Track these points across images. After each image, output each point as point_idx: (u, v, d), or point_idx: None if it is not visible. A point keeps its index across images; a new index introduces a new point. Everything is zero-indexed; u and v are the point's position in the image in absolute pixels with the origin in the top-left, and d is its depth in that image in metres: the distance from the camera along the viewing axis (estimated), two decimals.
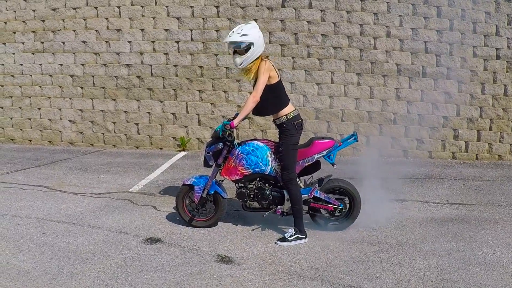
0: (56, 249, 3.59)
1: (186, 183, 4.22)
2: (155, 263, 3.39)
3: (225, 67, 7.80)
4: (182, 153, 7.57)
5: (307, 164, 4.15)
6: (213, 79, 7.77)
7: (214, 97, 7.81)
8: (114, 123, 8.06)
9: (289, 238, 3.86)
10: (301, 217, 3.97)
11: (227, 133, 3.86)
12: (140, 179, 5.71)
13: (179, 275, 3.19)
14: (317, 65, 7.62)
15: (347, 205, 4.17)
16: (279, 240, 3.92)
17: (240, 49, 3.80)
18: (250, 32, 3.82)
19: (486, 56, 7.80)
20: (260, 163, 4.04)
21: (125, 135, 8.05)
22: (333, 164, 4.19)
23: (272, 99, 3.92)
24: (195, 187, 4.16)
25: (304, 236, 3.92)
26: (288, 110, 3.95)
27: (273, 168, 4.09)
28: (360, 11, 7.68)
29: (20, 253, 3.49)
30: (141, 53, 7.94)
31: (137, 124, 8.03)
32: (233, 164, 4.08)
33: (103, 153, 7.55)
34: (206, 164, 4.15)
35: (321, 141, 4.18)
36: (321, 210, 4.17)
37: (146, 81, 7.98)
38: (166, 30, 7.87)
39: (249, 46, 3.77)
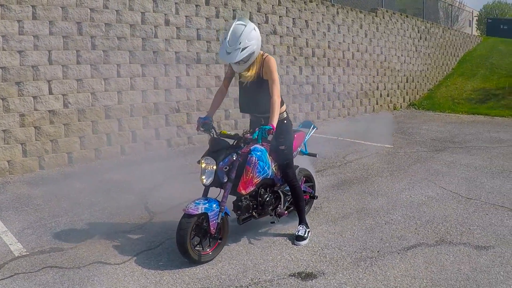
0: None
1: (195, 212, 4.27)
2: None
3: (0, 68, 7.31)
4: None
5: None
6: None
7: None
8: None
9: (305, 236, 4.86)
10: (305, 211, 5.01)
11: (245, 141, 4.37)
12: None
13: None
14: (102, 57, 8.46)
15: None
16: (297, 240, 4.84)
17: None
18: (249, 40, 4.39)
19: None
20: (265, 167, 4.71)
21: None
22: (314, 155, 5.46)
23: None
24: (209, 214, 4.33)
25: (309, 229, 4.99)
26: (285, 106, 4.86)
27: (272, 170, 4.84)
28: None
29: None
30: None
31: None
32: (251, 174, 4.56)
33: None
34: (217, 183, 4.44)
35: (297, 133, 5.15)
36: None
37: None
38: None
39: (250, 55, 4.44)
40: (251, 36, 4.40)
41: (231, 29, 4.40)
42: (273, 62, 4.61)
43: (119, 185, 6.99)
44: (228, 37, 4.37)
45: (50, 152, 8.13)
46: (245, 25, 4.39)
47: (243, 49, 4.35)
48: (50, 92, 8.11)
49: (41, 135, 8.02)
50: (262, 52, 4.70)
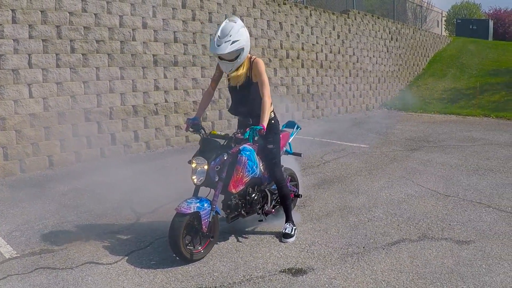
0: None
1: (187, 212, 4.39)
2: None
3: None
4: None
5: None
6: None
7: None
8: None
9: (292, 233, 5.06)
10: (291, 210, 5.20)
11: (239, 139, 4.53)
12: None
13: None
14: (82, 61, 8.57)
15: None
16: (284, 237, 5.02)
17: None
18: (239, 36, 4.52)
19: None
20: (254, 167, 4.87)
21: None
22: (299, 154, 5.69)
23: None
24: (201, 213, 4.46)
25: (295, 227, 5.17)
26: (273, 106, 4.93)
27: (260, 170, 5.02)
28: (119, 1, 8.99)
29: None
30: None
31: None
32: (241, 173, 4.73)
33: None
34: (208, 182, 4.60)
35: (282, 133, 5.28)
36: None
37: None
38: None
39: (239, 52, 4.55)
40: (240, 32, 4.56)
41: (222, 25, 4.60)
42: (261, 64, 4.77)
43: (102, 187, 7.12)
44: (219, 32, 4.54)
45: (31, 155, 8.24)
46: (235, 22, 4.58)
47: (233, 42, 4.49)
48: (31, 96, 8.19)
49: (22, 139, 8.10)
50: (250, 55, 4.87)
